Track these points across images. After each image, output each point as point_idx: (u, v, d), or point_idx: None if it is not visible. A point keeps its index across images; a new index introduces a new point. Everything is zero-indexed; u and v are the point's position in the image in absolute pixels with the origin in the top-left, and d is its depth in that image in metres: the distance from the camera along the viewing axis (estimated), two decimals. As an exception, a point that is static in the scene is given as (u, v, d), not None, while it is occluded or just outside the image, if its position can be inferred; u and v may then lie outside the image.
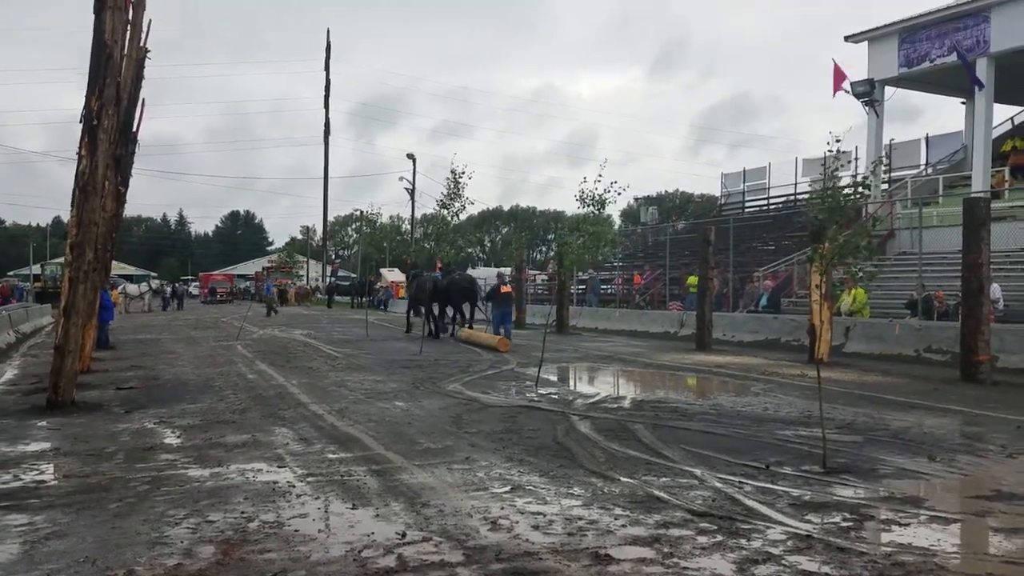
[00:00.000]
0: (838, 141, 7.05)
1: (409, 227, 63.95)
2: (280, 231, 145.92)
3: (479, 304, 20.74)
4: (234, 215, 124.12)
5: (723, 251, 23.14)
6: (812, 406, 8.32)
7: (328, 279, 58.28)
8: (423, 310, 20.43)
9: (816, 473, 5.72)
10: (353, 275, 68.64)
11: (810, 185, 30.03)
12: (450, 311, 20.62)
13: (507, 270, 39.34)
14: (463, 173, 15.17)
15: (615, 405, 8.77)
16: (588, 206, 11.01)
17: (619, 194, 11.24)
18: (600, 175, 11.17)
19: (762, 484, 5.40)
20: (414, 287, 21.39)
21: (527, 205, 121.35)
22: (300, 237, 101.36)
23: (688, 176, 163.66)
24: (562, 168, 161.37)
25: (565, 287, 23.40)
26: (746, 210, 35.14)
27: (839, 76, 25.62)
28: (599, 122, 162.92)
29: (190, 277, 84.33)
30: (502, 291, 19.32)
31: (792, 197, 32.68)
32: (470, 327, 19.84)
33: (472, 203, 16.01)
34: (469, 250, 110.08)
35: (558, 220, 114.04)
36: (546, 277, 37.74)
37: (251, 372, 12.21)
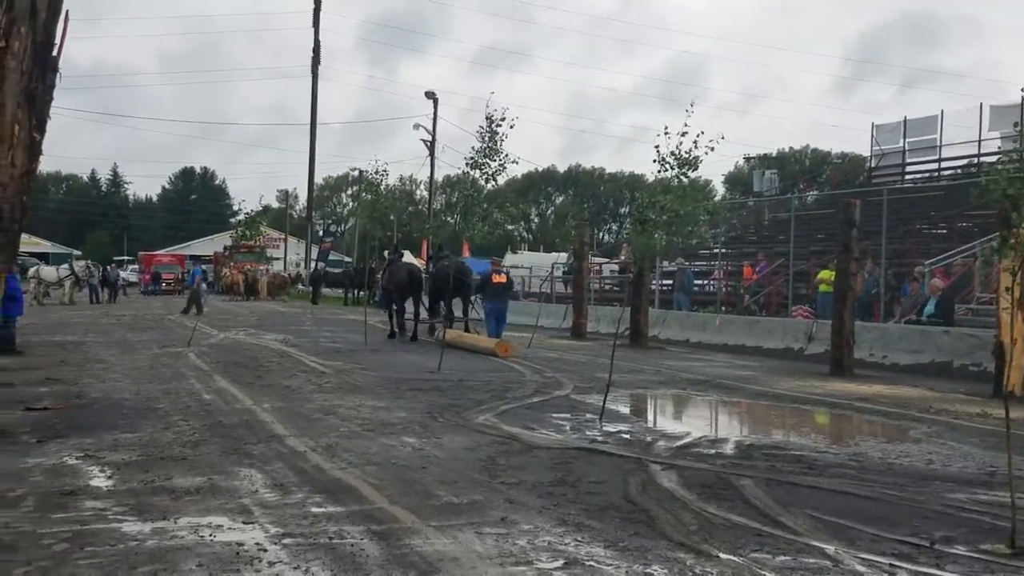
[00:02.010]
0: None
1: (427, 194, 63.41)
2: (251, 197, 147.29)
3: (472, 299, 21.72)
4: (188, 174, 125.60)
5: (873, 235, 22.80)
6: (998, 459, 8.23)
7: (314, 264, 58.80)
8: (394, 305, 22.13)
9: (1002, 555, 5.68)
10: (348, 259, 69.03)
11: (1000, 144, 29.40)
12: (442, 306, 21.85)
13: (556, 257, 39.10)
14: (503, 119, 15.01)
15: (712, 450, 8.82)
16: (670, 169, 10.90)
17: (711, 149, 11.01)
18: (687, 124, 10.95)
19: (924, 569, 5.38)
20: (385, 275, 22.87)
21: (594, 165, 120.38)
22: (277, 205, 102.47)
23: (826, 128, 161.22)
24: (653, 114, 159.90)
25: (643, 282, 23.25)
26: (907, 177, 34.57)
27: None
28: (709, 50, 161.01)
29: (127, 258, 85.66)
30: (494, 281, 20.29)
31: (975, 159, 32.04)
32: (466, 328, 20.93)
33: (515, 162, 15.69)
34: (509, 227, 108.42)
35: (635, 187, 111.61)
36: (617, 267, 37.64)
37: (208, 391, 12.36)
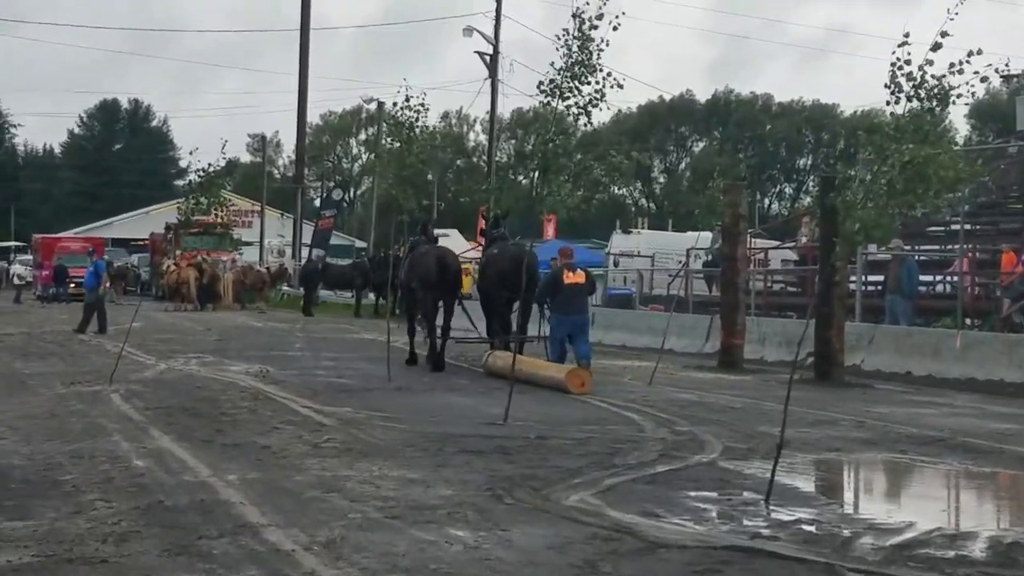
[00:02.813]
0: None
1: (485, 139, 54.68)
2: (209, 146, 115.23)
3: (542, 304, 18.68)
4: (109, 110, 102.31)
5: None
6: None
7: (307, 252, 50.06)
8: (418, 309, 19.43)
9: None
10: (360, 244, 59.46)
11: None
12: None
13: (694, 238, 33.31)
14: (599, 16, 11.89)
15: (951, 552, 7.57)
16: (909, 100, 8.86)
17: (983, 79, 9.00)
18: (943, 32, 8.75)
19: None
20: (406, 266, 19.63)
21: (756, 91, 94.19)
22: (250, 159, 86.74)
23: None
24: (856, 8, 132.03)
25: (839, 280, 18.96)
26: None
27: None
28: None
29: (15, 244, 73.16)
30: (567, 281, 16.73)
31: None
32: (514, 346, 17.55)
33: (620, 86, 12.59)
34: (617, 190, 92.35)
35: (823, 126, 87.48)
36: (794, 256, 32.68)
37: (140, 454, 10.81)
